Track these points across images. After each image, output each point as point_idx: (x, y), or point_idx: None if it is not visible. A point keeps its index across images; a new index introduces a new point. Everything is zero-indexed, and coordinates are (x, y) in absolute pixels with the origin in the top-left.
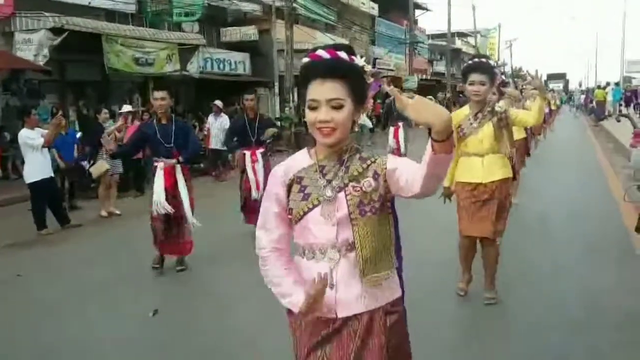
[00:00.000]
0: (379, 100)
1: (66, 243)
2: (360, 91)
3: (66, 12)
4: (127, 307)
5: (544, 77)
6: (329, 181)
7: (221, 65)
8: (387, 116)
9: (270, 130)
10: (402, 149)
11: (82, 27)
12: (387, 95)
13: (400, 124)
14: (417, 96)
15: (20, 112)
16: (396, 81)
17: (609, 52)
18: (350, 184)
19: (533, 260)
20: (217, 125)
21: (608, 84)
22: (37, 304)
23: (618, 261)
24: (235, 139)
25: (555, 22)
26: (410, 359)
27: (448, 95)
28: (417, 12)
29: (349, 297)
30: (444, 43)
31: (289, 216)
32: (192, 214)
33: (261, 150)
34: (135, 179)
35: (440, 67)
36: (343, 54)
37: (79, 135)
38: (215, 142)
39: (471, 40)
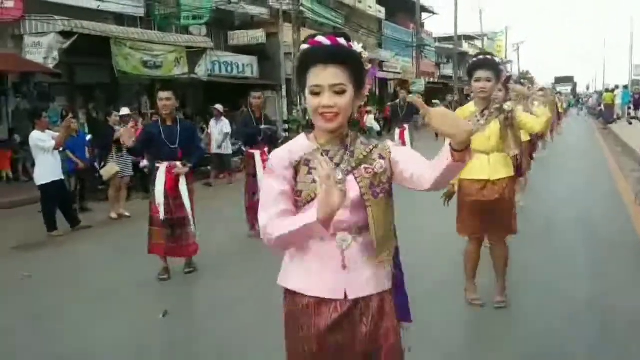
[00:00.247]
0: (388, 103)
1: (76, 244)
2: (360, 77)
3: (75, 16)
4: (137, 308)
5: (552, 81)
6: (337, 164)
7: (229, 69)
8: (393, 118)
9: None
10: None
11: (91, 30)
12: (394, 96)
13: (406, 126)
14: (441, 107)
15: (31, 115)
16: (403, 84)
17: (617, 56)
18: (362, 166)
19: (540, 263)
20: (218, 130)
21: (617, 87)
22: (47, 305)
23: (628, 264)
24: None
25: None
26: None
27: (455, 98)
28: (424, 15)
29: (360, 278)
30: (451, 46)
31: (297, 198)
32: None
33: (267, 149)
34: (142, 181)
35: (448, 70)
36: (343, 40)
37: (88, 137)
38: (217, 146)
39: (478, 43)
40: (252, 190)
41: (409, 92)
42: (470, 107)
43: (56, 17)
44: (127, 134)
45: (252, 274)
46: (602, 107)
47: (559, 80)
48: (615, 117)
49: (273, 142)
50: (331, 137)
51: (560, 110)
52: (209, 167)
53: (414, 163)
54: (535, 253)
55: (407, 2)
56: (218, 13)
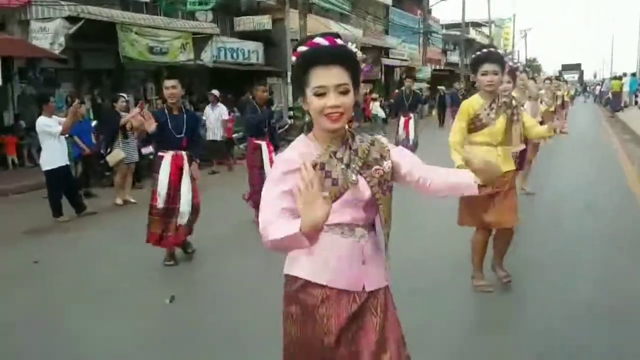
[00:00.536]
0: (395, 91)
1: (82, 230)
2: (357, 76)
3: (82, 1)
4: (143, 293)
5: (559, 68)
6: (347, 165)
7: (234, 55)
8: (398, 106)
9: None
10: (412, 139)
11: (97, 15)
12: (400, 84)
13: (412, 115)
14: (484, 159)
15: (38, 100)
16: (409, 72)
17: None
18: (374, 167)
19: (547, 251)
20: (214, 116)
21: (625, 74)
22: (54, 291)
23: (635, 252)
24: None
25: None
26: None
27: (462, 85)
28: (431, 1)
29: (374, 271)
30: (458, 33)
31: None
32: (199, 204)
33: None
34: (148, 169)
35: (454, 57)
36: (340, 41)
37: (94, 123)
38: (213, 133)
39: (485, 30)
40: (257, 183)
41: (415, 81)
42: (478, 100)
43: (62, 2)
44: (136, 121)
45: (258, 259)
46: (610, 94)
47: (566, 68)
48: (622, 104)
49: (275, 137)
50: (333, 137)
51: (566, 99)
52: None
53: (419, 168)
54: (542, 242)
55: None
56: None
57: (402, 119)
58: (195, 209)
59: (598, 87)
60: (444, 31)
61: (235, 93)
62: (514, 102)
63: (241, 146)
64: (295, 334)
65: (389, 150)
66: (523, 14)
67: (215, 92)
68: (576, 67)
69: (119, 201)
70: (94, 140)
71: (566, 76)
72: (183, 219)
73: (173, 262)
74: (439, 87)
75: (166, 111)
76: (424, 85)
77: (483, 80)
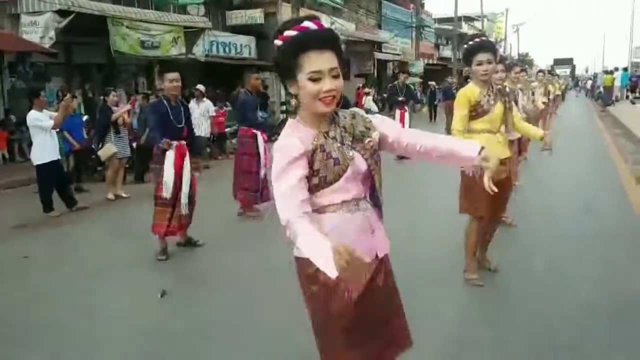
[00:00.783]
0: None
1: (73, 225)
2: (342, 60)
3: None
4: (134, 289)
5: (551, 62)
6: (342, 144)
7: (227, 49)
8: (393, 99)
9: None
10: None
11: (88, 9)
12: (393, 78)
13: (407, 107)
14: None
15: (28, 94)
16: (402, 66)
17: (617, 38)
18: (366, 139)
19: (539, 247)
20: (200, 112)
21: (616, 69)
22: (44, 286)
23: (627, 246)
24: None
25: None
26: None
27: (455, 80)
28: None
29: (383, 238)
30: (450, 27)
31: (322, 183)
32: (195, 194)
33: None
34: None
35: (447, 51)
36: (325, 24)
37: (85, 118)
38: (198, 129)
39: (478, 24)
40: (252, 169)
41: (409, 75)
42: (475, 89)
43: None
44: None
45: (249, 253)
46: (601, 89)
47: (558, 62)
48: (614, 99)
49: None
50: (322, 119)
51: (557, 92)
52: (208, 149)
53: (406, 134)
54: (534, 236)
55: None
56: None
57: (398, 112)
58: (192, 199)
59: (589, 82)
60: (436, 25)
61: (228, 87)
62: (507, 90)
63: (233, 140)
64: (322, 311)
65: (370, 121)
66: (515, 8)
67: (201, 87)
68: (568, 62)
69: (110, 196)
70: (85, 135)
71: (558, 70)
72: (184, 208)
73: (165, 257)
74: (429, 82)
75: (165, 102)
76: (417, 79)
77: (478, 70)
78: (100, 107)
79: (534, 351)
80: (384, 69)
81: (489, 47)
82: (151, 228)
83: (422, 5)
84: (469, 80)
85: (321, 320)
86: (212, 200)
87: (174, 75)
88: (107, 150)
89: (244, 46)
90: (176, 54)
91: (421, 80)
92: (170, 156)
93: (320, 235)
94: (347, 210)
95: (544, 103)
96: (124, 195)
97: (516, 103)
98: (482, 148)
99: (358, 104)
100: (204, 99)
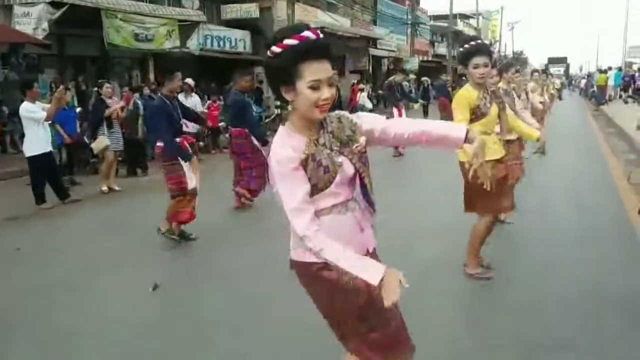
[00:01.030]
0: (386, 81)
1: (65, 217)
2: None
3: None
4: (128, 281)
5: (545, 61)
6: (331, 149)
7: (221, 43)
8: (390, 96)
9: None
10: None
11: (81, 1)
12: (387, 74)
13: (403, 105)
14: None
15: (21, 86)
16: (397, 63)
17: (611, 37)
18: (354, 145)
19: (532, 244)
20: (190, 105)
21: (610, 68)
22: (37, 278)
23: (618, 245)
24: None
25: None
26: None
27: (449, 77)
28: None
29: (371, 233)
30: (445, 24)
31: (314, 190)
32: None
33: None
34: (136, 156)
35: (442, 49)
36: (321, 33)
37: (78, 110)
38: (185, 125)
39: (473, 22)
40: (251, 165)
41: (406, 74)
42: (472, 92)
43: None
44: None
45: (245, 246)
46: (595, 88)
47: (552, 61)
48: (607, 98)
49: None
50: (313, 125)
51: (552, 91)
52: (201, 143)
53: (390, 125)
54: (526, 234)
55: None
56: None
57: (396, 111)
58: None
59: (583, 81)
60: (431, 22)
61: (222, 82)
62: (500, 91)
63: (227, 135)
64: (330, 306)
65: (355, 123)
66: (511, 6)
67: (190, 81)
68: (562, 61)
69: (104, 188)
70: (78, 128)
71: (552, 69)
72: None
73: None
74: (422, 78)
75: (168, 102)
76: (412, 76)
77: (475, 73)
78: (94, 101)
79: (525, 349)
80: (379, 66)
81: (486, 50)
82: (170, 218)
83: (418, 2)
84: (463, 77)
85: (336, 313)
86: (206, 194)
87: (180, 74)
88: (100, 142)
89: (239, 40)
90: (170, 47)
91: (415, 77)
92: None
93: (344, 249)
94: (338, 212)
95: (541, 103)
96: (116, 188)
97: (519, 95)
98: (468, 130)
99: (353, 100)
100: (193, 93)
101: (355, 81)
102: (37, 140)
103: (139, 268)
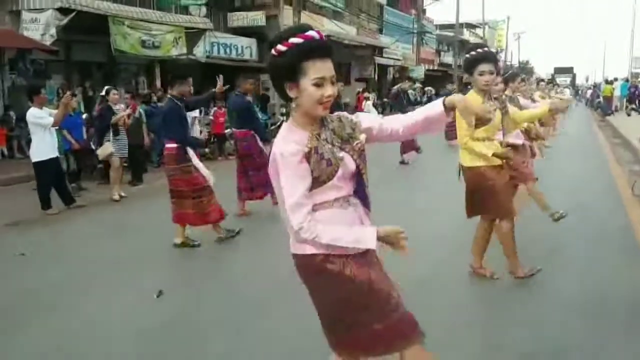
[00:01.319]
0: (393, 88)
1: (71, 223)
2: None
3: None
4: (132, 286)
5: (551, 71)
6: (332, 145)
7: (228, 50)
8: (398, 104)
9: None
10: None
11: (89, 7)
12: (393, 83)
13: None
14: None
15: (28, 91)
16: (403, 71)
17: (617, 48)
18: (355, 142)
19: (534, 250)
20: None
21: (615, 79)
22: (38, 281)
23: (621, 254)
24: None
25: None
26: None
27: (455, 86)
28: (426, 1)
29: (371, 229)
30: (451, 34)
31: (316, 182)
32: None
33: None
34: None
35: (448, 58)
36: (324, 35)
37: (84, 116)
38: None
39: (479, 31)
40: (257, 167)
41: (412, 82)
42: (477, 99)
43: None
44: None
45: (247, 252)
46: (601, 99)
47: (559, 71)
48: (613, 109)
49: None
50: (315, 122)
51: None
52: (206, 149)
53: (387, 122)
54: (528, 240)
55: None
56: None
57: None
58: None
59: (589, 91)
60: (437, 32)
61: (228, 89)
62: (503, 97)
63: (232, 141)
64: (331, 299)
65: (356, 122)
66: (517, 16)
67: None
68: (569, 71)
69: (115, 196)
70: (84, 135)
71: (558, 79)
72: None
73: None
74: (426, 88)
75: (178, 103)
76: (418, 85)
77: (480, 80)
78: (99, 107)
79: (526, 355)
80: (385, 74)
81: (491, 58)
82: (212, 218)
83: (424, 11)
84: (469, 87)
85: (334, 305)
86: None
87: (191, 79)
88: (105, 149)
89: (245, 48)
90: (177, 54)
91: (421, 86)
92: (192, 153)
93: (338, 227)
94: (339, 206)
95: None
96: (122, 194)
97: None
98: (444, 99)
99: (358, 108)
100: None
101: (361, 89)
102: (43, 145)
103: (143, 275)
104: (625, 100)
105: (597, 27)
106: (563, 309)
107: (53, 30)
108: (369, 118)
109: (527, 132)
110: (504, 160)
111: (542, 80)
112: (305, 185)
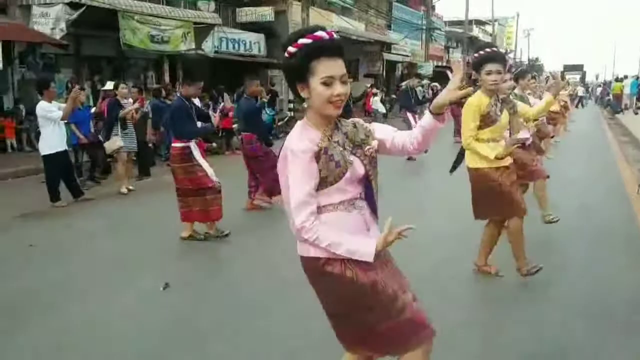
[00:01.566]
0: (402, 84)
1: (79, 215)
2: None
3: None
4: (139, 280)
5: (561, 68)
6: (344, 148)
7: (236, 46)
8: (406, 101)
9: None
10: None
11: (99, 2)
12: (401, 79)
13: (419, 111)
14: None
15: (38, 85)
16: (411, 68)
17: (627, 45)
18: (366, 147)
19: (541, 250)
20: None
21: (626, 76)
22: (50, 275)
23: (623, 254)
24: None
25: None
26: None
27: (464, 83)
28: None
29: (377, 233)
30: (460, 30)
31: (323, 183)
32: None
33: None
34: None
35: (457, 54)
36: (334, 34)
37: (93, 110)
38: None
39: (489, 28)
40: (263, 170)
41: (420, 78)
42: (484, 99)
43: None
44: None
45: (253, 249)
46: (611, 96)
47: (568, 68)
48: (623, 106)
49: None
50: (327, 122)
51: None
52: (214, 144)
53: (399, 136)
54: (533, 238)
55: None
56: None
57: (411, 117)
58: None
59: (599, 89)
60: (446, 28)
61: (236, 84)
62: (512, 96)
63: (239, 137)
64: (336, 300)
65: (370, 129)
66: (526, 13)
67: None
68: (579, 68)
69: (123, 190)
70: (92, 129)
71: (568, 76)
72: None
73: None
74: (432, 84)
75: (186, 102)
76: (426, 81)
77: (487, 80)
78: (109, 102)
79: (528, 356)
80: (393, 70)
81: (499, 58)
82: (211, 216)
83: (433, 7)
84: (477, 84)
85: (339, 306)
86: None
87: (202, 83)
88: (112, 143)
89: (254, 43)
90: (185, 49)
91: (429, 82)
92: (197, 151)
93: (339, 234)
94: (344, 209)
95: (563, 101)
96: (131, 187)
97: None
98: (430, 105)
99: (366, 104)
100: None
101: (369, 85)
102: (52, 139)
103: (149, 266)
104: (635, 98)
105: (608, 24)
106: (563, 309)
107: (63, 25)
108: (383, 129)
109: (538, 132)
110: (513, 160)
111: (552, 75)
112: (312, 185)
